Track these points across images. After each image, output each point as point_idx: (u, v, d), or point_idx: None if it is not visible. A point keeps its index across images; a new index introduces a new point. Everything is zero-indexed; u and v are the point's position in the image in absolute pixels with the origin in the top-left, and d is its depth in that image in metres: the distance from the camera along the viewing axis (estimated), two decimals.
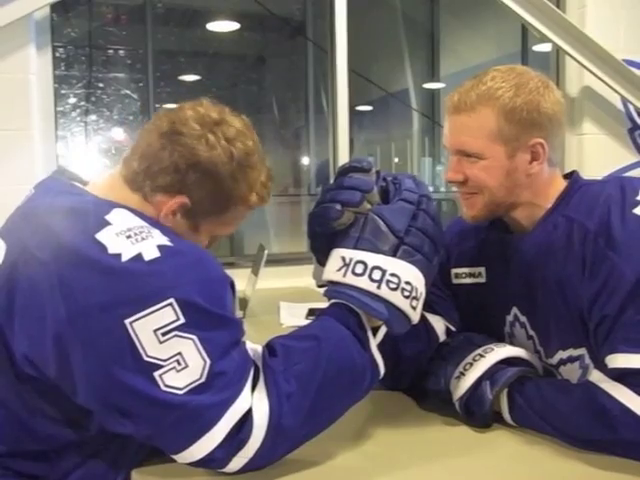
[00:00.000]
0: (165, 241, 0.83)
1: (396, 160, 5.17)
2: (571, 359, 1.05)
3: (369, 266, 0.89)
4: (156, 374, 0.77)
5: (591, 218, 1.00)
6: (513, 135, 1.02)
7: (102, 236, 0.81)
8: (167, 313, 0.77)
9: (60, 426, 0.85)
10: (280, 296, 2.03)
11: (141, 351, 0.76)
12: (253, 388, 0.82)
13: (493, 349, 1.04)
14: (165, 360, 0.77)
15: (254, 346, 0.88)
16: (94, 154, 3.51)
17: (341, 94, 2.59)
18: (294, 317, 1.80)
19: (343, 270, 0.90)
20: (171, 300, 0.78)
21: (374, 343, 0.91)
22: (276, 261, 2.41)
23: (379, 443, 0.99)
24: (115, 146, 3.58)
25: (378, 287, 0.88)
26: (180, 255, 0.83)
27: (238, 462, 0.81)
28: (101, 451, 0.89)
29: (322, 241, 0.97)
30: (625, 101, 2.72)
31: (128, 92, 3.55)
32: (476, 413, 1.01)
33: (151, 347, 0.77)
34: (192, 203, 0.90)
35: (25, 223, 0.88)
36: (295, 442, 0.85)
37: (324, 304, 0.97)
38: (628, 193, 1.01)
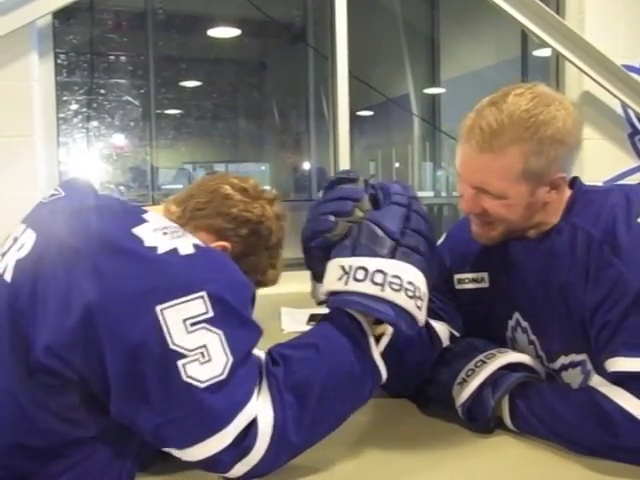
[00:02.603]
0: (199, 242, 0.87)
1: (397, 165, 5.17)
2: (573, 364, 1.05)
3: (370, 270, 0.88)
4: (179, 363, 0.77)
5: (596, 226, 1.00)
6: (539, 172, 0.99)
7: (139, 230, 0.84)
8: (198, 305, 0.79)
9: (61, 422, 0.83)
10: (281, 302, 2.02)
11: (168, 338, 0.77)
12: (257, 396, 0.83)
13: (495, 355, 1.05)
14: (190, 350, 0.78)
15: (257, 352, 0.88)
16: (96, 160, 3.51)
17: (342, 99, 2.59)
18: (295, 323, 1.80)
19: (344, 279, 0.90)
20: (203, 293, 0.79)
21: (375, 349, 0.91)
22: None
23: (382, 449, 0.99)
24: (116, 152, 3.59)
25: (382, 290, 0.88)
26: (213, 255, 0.87)
27: (241, 469, 0.81)
28: (98, 456, 0.87)
29: (318, 256, 0.96)
30: (625, 106, 2.72)
31: (129, 98, 3.56)
32: (479, 419, 1.01)
33: (178, 335, 0.78)
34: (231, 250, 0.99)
35: (60, 217, 0.90)
36: (297, 450, 0.85)
37: (326, 310, 0.97)
38: (633, 202, 1.01)
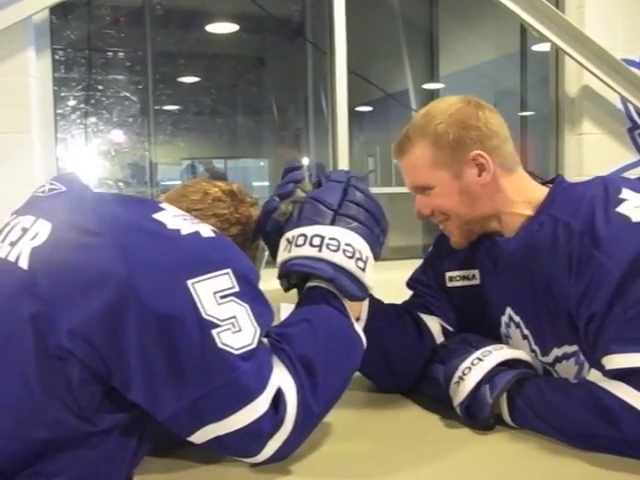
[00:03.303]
0: (216, 229, 0.92)
1: (395, 161, 5.17)
2: (566, 356, 1.06)
3: (309, 236, 0.96)
4: (214, 332, 0.81)
5: (576, 217, 1.01)
6: (449, 157, 1.08)
7: (159, 216, 0.88)
8: (225, 280, 0.84)
9: (71, 415, 0.83)
10: (281, 297, 2.02)
11: (201, 309, 0.81)
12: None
13: (491, 352, 1.05)
14: (222, 320, 0.82)
15: None
16: (94, 156, 3.50)
17: (340, 95, 2.58)
18: None
19: (288, 248, 0.98)
20: (229, 270, 0.85)
21: (351, 315, 0.97)
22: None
23: (379, 445, 0.99)
24: (115, 148, 3.58)
25: (319, 250, 0.95)
26: (230, 242, 0.94)
27: (272, 446, 0.84)
28: (99, 451, 0.86)
29: (275, 242, 1.03)
30: (624, 100, 2.72)
31: (127, 94, 3.55)
32: (477, 417, 1.01)
33: (210, 306, 0.82)
34: None
35: (75, 206, 0.91)
36: (318, 420, 0.89)
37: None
38: (611, 192, 1.02)
